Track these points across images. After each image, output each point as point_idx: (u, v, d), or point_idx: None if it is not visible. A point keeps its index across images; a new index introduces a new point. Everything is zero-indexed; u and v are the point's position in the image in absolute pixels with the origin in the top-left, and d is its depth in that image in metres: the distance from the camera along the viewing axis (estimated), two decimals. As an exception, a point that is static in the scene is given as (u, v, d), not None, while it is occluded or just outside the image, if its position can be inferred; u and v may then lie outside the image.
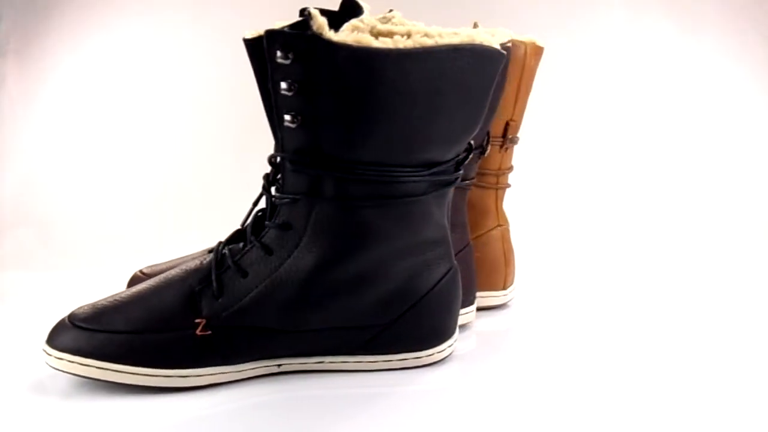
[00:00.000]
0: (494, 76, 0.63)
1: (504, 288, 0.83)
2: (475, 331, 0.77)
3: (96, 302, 0.63)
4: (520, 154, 0.85)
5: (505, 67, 0.70)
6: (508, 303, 0.84)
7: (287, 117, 0.59)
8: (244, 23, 0.67)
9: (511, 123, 0.80)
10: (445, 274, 0.66)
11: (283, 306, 0.62)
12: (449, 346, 0.68)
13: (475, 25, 0.85)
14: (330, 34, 0.57)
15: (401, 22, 0.76)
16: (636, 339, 0.75)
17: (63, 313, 0.63)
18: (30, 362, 0.66)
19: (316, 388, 0.63)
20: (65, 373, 0.61)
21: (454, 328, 0.68)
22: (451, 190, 0.67)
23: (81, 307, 0.63)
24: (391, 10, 0.77)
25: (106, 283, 0.83)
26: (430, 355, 0.67)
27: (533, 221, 1.17)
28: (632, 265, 1.08)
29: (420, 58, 0.58)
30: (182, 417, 0.58)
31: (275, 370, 0.65)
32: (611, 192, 1.30)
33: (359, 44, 0.57)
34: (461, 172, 0.66)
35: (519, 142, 0.82)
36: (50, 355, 0.60)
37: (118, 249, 0.69)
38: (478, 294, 0.81)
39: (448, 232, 0.67)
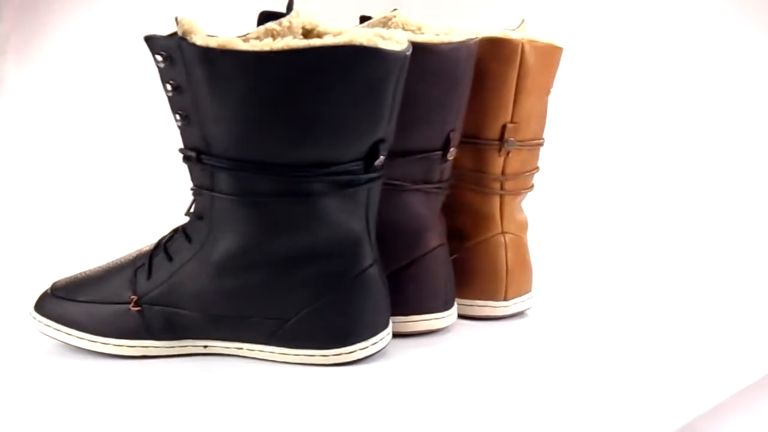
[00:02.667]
0: (384, 77, 0.62)
1: (505, 299, 0.79)
2: (441, 337, 0.75)
3: (76, 274, 0.74)
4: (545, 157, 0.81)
5: (447, 67, 0.68)
6: (514, 314, 0.80)
7: (176, 116, 0.65)
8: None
9: (510, 126, 0.76)
10: (353, 275, 0.67)
11: (195, 291, 0.68)
12: (362, 349, 0.68)
13: (522, 22, 0.82)
14: (196, 38, 0.61)
15: (404, 22, 0.77)
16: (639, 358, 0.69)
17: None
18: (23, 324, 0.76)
19: (228, 372, 0.67)
20: (44, 335, 0.72)
21: (374, 331, 0.68)
22: (367, 192, 0.66)
23: (62, 279, 0.74)
24: (395, 10, 0.78)
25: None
26: (337, 354, 0.68)
27: (558, 226, 1.10)
28: (659, 279, 1.01)
29: (277, 60, 0.60)
30: (107, 379, 0.65)
31: (202, 350, 0.70)
32: (641, 199, 1.22)
33: (223, 47, 0.60)
34: (375, 173, 0.66)
35: (515, 144, 0.77)
36: (34, 318, 0.72)
37: (120, 247, 0.76)
38: (474, 303, 0.79)
39: (368, 234, 0.67)
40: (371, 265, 0.68)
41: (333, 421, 0.58)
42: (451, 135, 0.72)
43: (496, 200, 0.78)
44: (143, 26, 0.67)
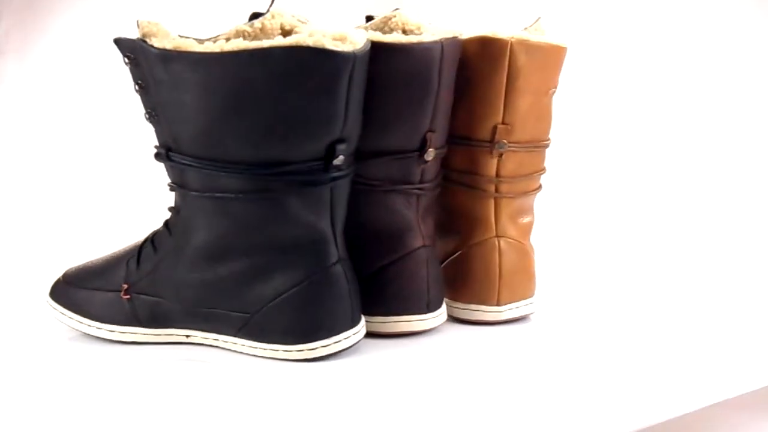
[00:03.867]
0: (332, 78, 0.62)
1: (498, 304, 0.77)
2: (422, 339, 0.74)
3: (86, 262, 0.79)
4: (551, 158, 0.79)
5: (419, 67, 0.68)
6: (510, 320, 0.78)
7: (146, 115, 0.68)
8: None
9: (501, 127, 0.75)
10: (314, 273, 0.68)
11: (173, 283, 0.71)
12: (324, 346, 0.69)
13: (536, 20, 0.81)
14: (154, 41, 0.64)
15: (404, 21, 0.78)
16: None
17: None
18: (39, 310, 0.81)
19: (202, 362, 0.70)
20: (57, 320, 0.77)
21: (337, 330, 0.68)
22: (330, 192, 0.67)
23: (73, 267, 0.79)
24: (396, 9, 0.79)
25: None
26: (300, 351, 0.69)
27: (559, 229, 1.05)
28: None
29: (228, 61, 0.62)
30: (93, 362, 0.70)
31: (184, 340, 0.73)
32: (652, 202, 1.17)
33: (177, 48, 0.63)
34: (338, 173, 0.66)
35: (507, 147, 0.75)
36: (48, 304, 0.78)
37: (119, 240, 0.79)
38: (468, 306, 0.78)
39: (332, 233, 0.68)
40: (335, 264, 0.68)
41: (284, 414, 0.60)
42: (428, 136, 0.71)
43: (491, 203, 0.77)
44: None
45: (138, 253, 0.74)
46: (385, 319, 0.74)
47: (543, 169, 0.80)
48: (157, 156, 0.69)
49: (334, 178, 0.67)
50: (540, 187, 0.81)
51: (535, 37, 0.74)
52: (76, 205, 1.11)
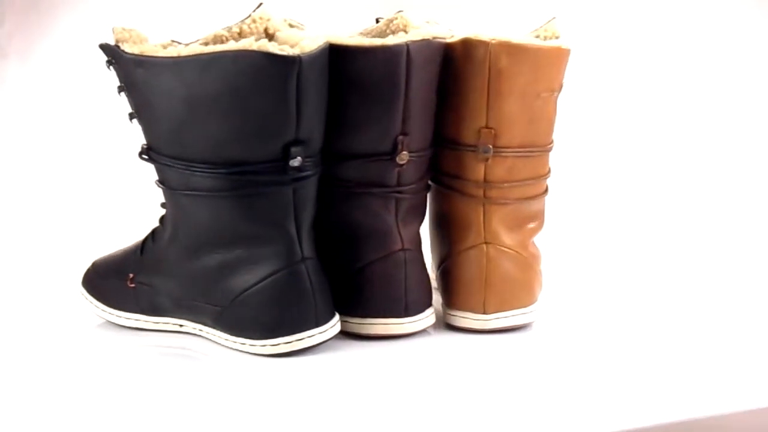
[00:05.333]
0: (277, 80, 0.64)
1: (485, 312, 0.75)
2: (404, 343, 0.74)
3: (112, 252, 0.85)
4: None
5: (383, 70, 0.68)
6: (500, 329, 0.76)
7: (129, 115, 0.72)
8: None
9: (485, 131, 0.73)
10: (276, 271, 0.69)
11: (162, 273, 0.75)
12: (286, 343, 0.70)
13: (549, 20, 0.79)
14: (125, 46, 0.68)
15: (405, 23, 0.79)
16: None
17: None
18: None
19: (189, 351, 0.74)
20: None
21: (299, 328, 0.70)
22: (292, 192, 0.68)
23: (100, 257, 0.86)
24: (400, 11, 0.80)
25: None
26: (263, 346, 0.71)
27: (561, 232, 0.97)
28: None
29: (183, 66, 0.65)
30: (99, 343, 0.76)
31: (179, 329, 0.78)
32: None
33: (142, 54, 0.67)
34: (299, 174, 0.68)
35: (492, 151, 0.73)
36: (80, 292, 0.84)
37: (123, 237, 0.82)
38: (457, 313, 0.77)
39: (296, 233, 0.69)
40: (297, 263, 0.70)
41: (239, 407, 0.62)
42: (400, 139, 0.71)
43: (479, 208, 0.75)
44: (144, 29, 0.73)
45: (142, 244, 0.79)
46: (363, 321, 0.74)
47: (544, 175, 0.77)
48: (140, 155, 0.73)
49: (295, 179, 0.68)
50: (545, 192, 0.78)
51: (519, 38, 0.71)
52: (78, 205, 1.12)
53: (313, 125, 0.68)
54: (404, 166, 0.72)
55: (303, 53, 0.65)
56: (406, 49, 0.68)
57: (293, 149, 0.67)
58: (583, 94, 0.91)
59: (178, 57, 0.65)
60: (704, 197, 1.17)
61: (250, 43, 0.64)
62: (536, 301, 0.78)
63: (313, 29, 0.76)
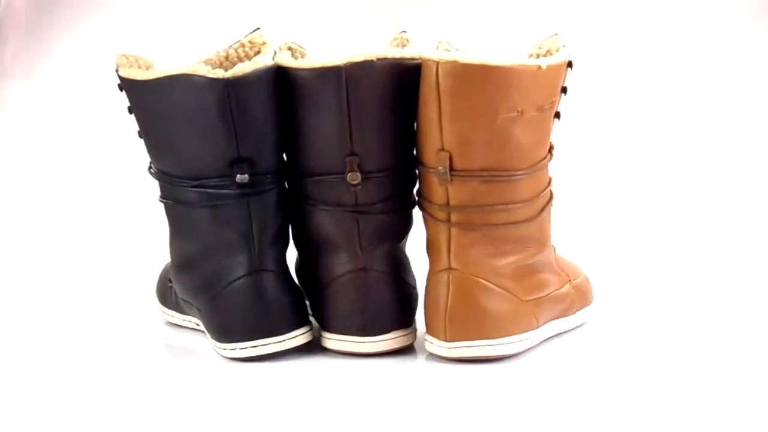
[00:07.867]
0: (208, 102, 0.69)
1: (446, 340, 0.73)
2: (365, 362, 0.75)
3: None
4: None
5: (320, 91, 0.70)
6: (463, 359, 0.73)
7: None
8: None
9: (441, 154, 0.70)
10: (234, 280, 0.74)
11: (173, 272, 0.83)
12: (242, 349, 0.74)
13: (551, 36, 0.77)
14: (121, 71, 0.76)
15: (403, 40, 0.81)
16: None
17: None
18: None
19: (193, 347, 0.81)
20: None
21: (247, 337, 0.74)
22: (246, 206, 0.73)
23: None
24: (404, 32, 0.82)
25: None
26: (224, 349, 0.76)
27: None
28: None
29: (144, 88, 0.72)
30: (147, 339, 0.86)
31: (196, 327, 0.85)
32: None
33: (126, 77, 0.75)
34: (250, 190, 0.72)
35: (449, 175, 0.70)
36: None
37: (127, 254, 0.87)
38: (426, 337, 0.75)
39: (248, 246, 0.73)
40: (247, 275, 0.74)
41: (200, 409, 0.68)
42: (349, 160, 0.71)
43: (444, 233, 0.73)
44: (147, 46, 0.80)
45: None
46: (327, 335, 0.76)
47: (523, 200, 0.72)
48: (148, 169, 0.82)
49: (247, 194, 0.72)
50: (534, 217, 0.73)
51: (471, 57, 0.68)
52: (82, 220, 1.17)
53: (256, 143, 0.72)
54: (359, 186, 0.72)
55: (233, 76, 0.69)
56: (342, 70, 0.69)
57: (236, 166, 0.71)
58: (583, 95, 0.84)
59: (146, 80, 0.73)
60: (704, 197, 1.15)
61: (184, 68, 0.69)
62: (514, 333, 0.73)
63: (316, 52, 0.79)
